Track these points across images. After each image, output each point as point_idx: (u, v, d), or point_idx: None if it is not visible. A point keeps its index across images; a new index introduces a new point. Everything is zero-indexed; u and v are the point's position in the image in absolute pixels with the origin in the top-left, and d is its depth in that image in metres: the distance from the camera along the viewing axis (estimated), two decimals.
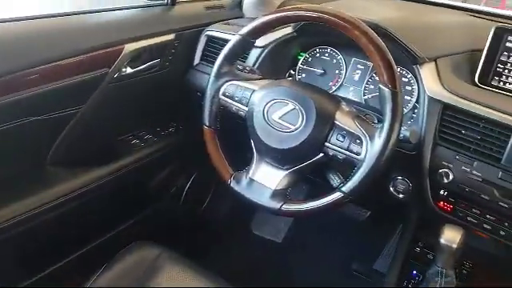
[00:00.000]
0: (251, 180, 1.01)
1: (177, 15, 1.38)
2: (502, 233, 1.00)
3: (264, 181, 1.00)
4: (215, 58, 1.05)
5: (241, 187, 1.01)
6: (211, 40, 1.37)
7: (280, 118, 0.96)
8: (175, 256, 1.08)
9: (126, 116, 1.35)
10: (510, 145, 0.95)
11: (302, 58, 1.29)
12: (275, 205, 0.97)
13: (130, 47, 1.21)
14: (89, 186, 1.22)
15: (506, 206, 0.97)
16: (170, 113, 1.50)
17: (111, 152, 1.33)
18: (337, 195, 0.91)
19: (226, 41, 1.05)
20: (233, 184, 1.03)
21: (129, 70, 1.25)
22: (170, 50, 1.34)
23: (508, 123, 0.95)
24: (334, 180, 0.98)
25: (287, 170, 0.98)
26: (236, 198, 1.02)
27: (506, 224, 0.99)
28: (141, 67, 1.28)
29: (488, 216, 1.01)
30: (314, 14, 0.92)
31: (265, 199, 0.99)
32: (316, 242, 1.75)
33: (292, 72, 1.31)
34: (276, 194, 0.98)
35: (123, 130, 1.41)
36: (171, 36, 1.32)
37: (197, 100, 1.14)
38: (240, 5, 1.54)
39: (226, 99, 1.04)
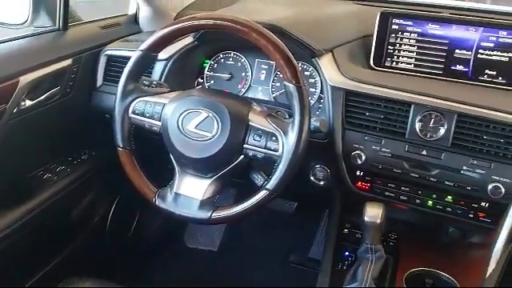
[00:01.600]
0: (177, 194, 1.00)
1: (71, 39, 1.33)
2: (417, 201, 1.08)
3: (190, 193, 0.99)
4: (119, 77, 1.03)
5: (167, 203, 1.00)
6: (112, 59, 1.33)
7: (195, 127, 0.96)
8: (108, 286, 1.04)
9: (34, 150, 1.28)
10: (410, 119, 1.03)
11: (208, 66, 1.30)
12: (205, 215, 0.97)
13: (25, 79, 1.14)
14: (3, 232, 1.14)
15: (416, 175, 1.05)
16: (80, 140, 1.43)
17: (23, 191, 1.25)
18: (263, 193, 0.94)
19: (127, 58, 1.03)
20: (158, 202, 1.01)
21: (28, 103, 1.18)
22: (70, 76, 1.29)
23: (405, 99, 1.03)
24: (258, 179, 1.00)
25: (211, 177, 0.99)
26: (164, 215, 1.01)
27: (420, 192, 1.07)
28: (41, 98, 1.21)
29: (403, 188, 1.08)
30: (211, 22, 0.93)
31: (193, 211, 0.98)
32: (252, 242, 1.78)
33: (200, 80, 1.31)
34: (204, 204, 0.98)
35: (33, 166, 1.32)
36: (68, 61, 1.27)
37: (106, 122, 1.10)
38: (136, 20, 1.52)
39: (137, 117, 1.02)
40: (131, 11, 1.52)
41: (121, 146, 1.03)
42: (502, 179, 0.98)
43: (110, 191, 1.59)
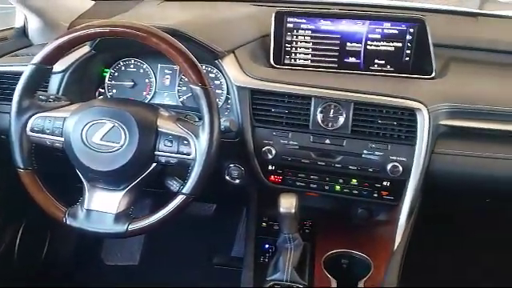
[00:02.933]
0: (88, 211, 0.96)
1: None
2: (326, 187, 1.14)
3: (102, 207, 0.96)
4: (12, 95, 0.96)
5: (79, 221, 0.96)
6: (1, 76, 1.24)
7: (101, 139, 0.93)
8: None
9: None
10: (312, 111, 1.09)
11: (108, 75, 1.26)
12: (121, 228, 0.95)
13: None
14: None
15: (323, 163, 1.11)
16: None
17: None
18: (179, 199, 0.94)
19: (19, 73, 0.97)
20: (69, 221, 0.97)
21: None
22: None
23: (305, 93, 1.09)
24: (174, 185, 0.99)
25: (124, 189, 0.96)
26: (77, 234, 0.97)
27: (328, 179, 1.14)
28: None
29: (312, 177, 1.14)
30: (107, 30, 0.91)
31: (108, 226, 0.95)
32: (173, 250, 1.75)
33: (102, 90, 1.27)
34: (119, 217, 0.95)
35: None
36: None
37: (3, 143, 1.03)
38: (25, 33, 1.42)
39: (36, 135, 0.97)
40: (18, 24, 1.42)
41: (21, 167, 0.97)
42: (398, 158, 1.07)
43: (14, 217, 1.48)
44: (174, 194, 0.95)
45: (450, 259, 1.65)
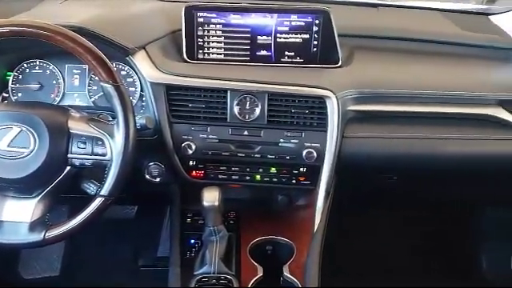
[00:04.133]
0: (0, 222, 0.91)
1: None
2: (247, 178, 1.17)
3: (15, 217, 0.92)
4: None
5: None
6: None
7: (8, 145, 0.88)
8: None
9: None
10: (228, 104, 1.11)
11: (11, 78, 1.18)
12: (37, 236, 0.91)
13: None
14: None
15: (243, 155, 1.14)
16: None
17: None
18: (98, 201, 0.92)
19: None
20: None
21: None
22: None
23: (221, 87, 1.11)
24: (91, 188, 0.97)
25: (37, 196, 0.92)
26: None
27: (248, 169, 1.16)
28: None
29: (233, 168, 1.16)
30: (7, 30, 0.86)
31: (23, 236, 0.91)
32: (96, 257, 1.69)
33: (5, 95, 1.19)
34: (34, 226, 0.91)
35: None
36: None
37: None
38: None
39: None
40: None
41: None
42: (312, 145, 1.12)
43: None
44: (93, 197, 0.93)
45: (365, 236, 1.76)
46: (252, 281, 1.09)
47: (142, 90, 1.16)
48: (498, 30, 1.45)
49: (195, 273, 1.08)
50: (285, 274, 1.11)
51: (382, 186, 1.39)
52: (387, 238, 1.81)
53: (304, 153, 1.12)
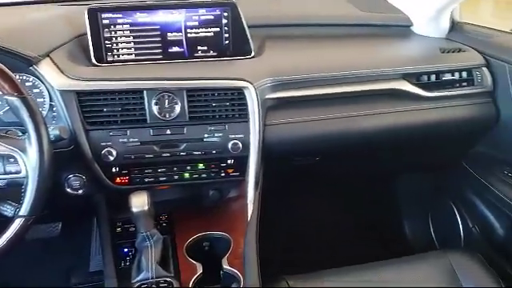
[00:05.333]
0: None
1: None
2: (175, 177, 1.15)
3: None
4: None
5: None
6: None
7: None
8: None
9: None
10: (146, 105, 1.08)
11: None
12: None
13: None
14: None
15: (168, 154, 1.12)
16: None
17: None
18: (18, 222, 0.86)
19: None
20: None
21: None
22: None
23: (136, 87, 1.08)
24: (8, 210, 0.90)
25: None
26: None
27: (175, 169, 1.15)
28: None
29: (160, 170, 1.14)
30: None
31: None
32: (22, 282, 1.58)
33: None
34: None
35: None
36: None
37: None
38: None
39: None
40: None
41: None
42: (237, 136, 1.13)
43: None
44: (11, 219, 0.86)
45: (297, 218, 1.82)
46: (192, 279, 1.08)
47: (51, 100, 1.09)
48: (393, 9, 1.56)
49: (133, 281, 1.05)
50: (224, 266, 1.12)
51: (306, 168, 1.44)
52: (317, 216, 1.88)
53: (229, 145, 1.13)
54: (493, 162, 1.43)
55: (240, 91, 1.12)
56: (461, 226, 1.62)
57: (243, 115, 1.14)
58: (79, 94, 1.05)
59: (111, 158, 1.08)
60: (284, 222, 1.73)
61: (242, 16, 1.19)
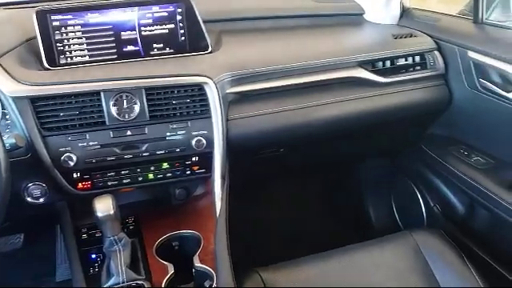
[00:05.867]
0: None
1: None
2: (140, 179, 1.13)
3: None
4: None
5: None
6: None
7: None
8: None
9: None
10: (104, 106, 1.06)
11: None
12: None
13: None
14: None
15: (130, 156, 1.10)
16: None
17: None
18: None
19: None
20: None
21: None
22: None
23: (92, 89, 1.05)
24: None
25: None
26: None
27: (139, 170, 1.13)
28: None
29: (123, 172, 1.12)
30: None
31: None
32: None
33: None
34: None
35: None
36: None
37: None
38: None
39: None
40: None
41: None
42: (200, 132, 1.13)
43: None
44: None
45: (266, 210, 1.83)
46: (164, 280, 1.07)
47: (3, 108, 1.04)
48: None
49: (103, 286, 1.02)
50: (196, 264, 1.11)
51: (272, 160, 1.45)
52: (285, 206, 1.90)
53: (193, 142, 1.12)
54: (449, 142, 1.48)
55: (200, 87, 1.12)
56: (422, 206, 1.67)
57: (205, 111, 1.13)
58: (33, 99, 1.01)
59: (71, 164, 1.05)
60: (253, 214, 1.74)
61: (196, 11, 1.18)
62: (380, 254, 1.22)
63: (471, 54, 1.29)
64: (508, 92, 1.20)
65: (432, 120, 1.51)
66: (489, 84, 1.26)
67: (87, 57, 1.14)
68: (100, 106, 1.06)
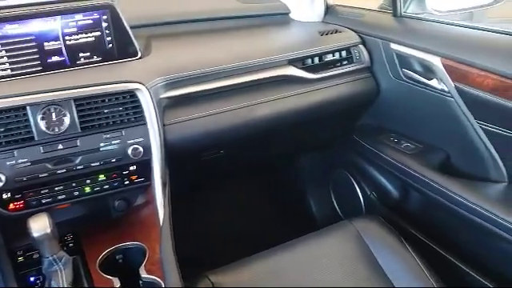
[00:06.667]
0: None
1: None
2: (75, 193, 1.09)
3: None
4: None
5: None
6: None
7: None
8: None
9: None
10: (32, 121, 1.01)
11: None
12: None
13: None
14: None
15: (64, 170, 1.05)
16: None
17: None
18: None
19: None
20: None
21: None
22: None
23: (16, 104, 0.99)
24: None
25: None
26: None
27: (74, 184, 1.08)
28: None
29: (57, 188, 1.07)
30: None
31: None
32: None
33: None
34: None
35: None
36: None
37: None
38: None
39: None
40: None
41: None
42: (136, 140, 1.10)
43: None
44: None
45: (209, 214, 1.83)
46: None
47: None
48: None
49: None
50: (142, 276, 1.08)
51: (213, 162, 1.45)
52: (229, 207, 1.90)
53: (129, 151, 1.09)
54: (379, 131, 1.55)
55: (132, 94, 1.09)
56: (360, 195, 1.74)
57: (139, 118, 1.11)
58: None
59: (0, 184, 0.99)
60: (198, 218, 1.73)
61: (122, 17, 1.15)
62: (323, 244, 1.26)
63: (393, 46, 1.36)
64: (429, 79, 1.28)
65: (362, 111, 1.58)
66: (411, 73, 1.33)
67: (9, 71, 1.07)
68: (27, 120, 1.00)
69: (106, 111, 1.07)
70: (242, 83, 1.28)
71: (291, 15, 1.61)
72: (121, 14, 1.15)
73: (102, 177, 1.10)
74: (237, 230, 1.82)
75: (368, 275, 1.17)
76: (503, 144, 1.18)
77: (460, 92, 1.20)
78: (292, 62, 1.35)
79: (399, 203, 1.58)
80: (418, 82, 1.32)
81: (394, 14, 1.42)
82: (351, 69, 1.44)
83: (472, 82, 1.16)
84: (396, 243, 1.23)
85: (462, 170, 1.35)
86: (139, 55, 1.19)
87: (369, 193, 1.70)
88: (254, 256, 1.23)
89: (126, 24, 1.16)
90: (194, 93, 1.21)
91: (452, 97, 1.23)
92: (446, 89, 1.23)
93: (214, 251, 1.61)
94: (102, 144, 1.08)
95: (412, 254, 1.19)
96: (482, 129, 1.20)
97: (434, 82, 1.27)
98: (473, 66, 1.15)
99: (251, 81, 1.29)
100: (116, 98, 1.08)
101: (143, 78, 1.11)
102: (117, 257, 1.15)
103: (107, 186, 1.12)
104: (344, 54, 1.43)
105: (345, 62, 1.44)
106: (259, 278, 1.16)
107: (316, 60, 1.39)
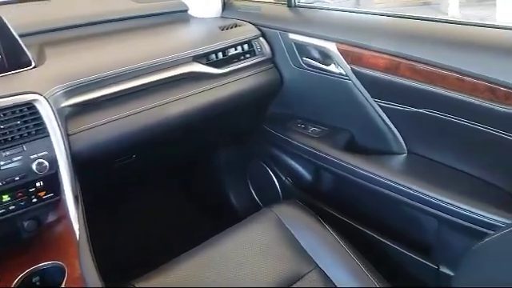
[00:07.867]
0: None
1: None
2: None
3: None
4: None
5: None
6: None
7: None
8: None
9: None
10: None
11: None
12: None
13: None
14: None
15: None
16: None
17: None
18: None
19: None
20: None
21: None
22: None
23: None
24: None
25: None
26: None
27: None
28: None
29: None
30: None
31: None
32: None
33: None
34: None
35: None
36: None
37: None
38: None
39: None
40: None
41: None
42: (40, 154, 1.03)
43: None
44: None
45: (130, 221, 1.78)
46: None
47: None
48: None
49: None
50: None
51: (127, 168, 1.41)
52: (151, 210, 1.86)
53: (34, 166, 1.02)
54: (287, 119, 1.61)
55: (30, 105, 1.02)
56: (276, 182, 1.79)
57: (41, 130, 1.04)
58: None
59: None
60: (121, 228, 1.67)
61: (9, 26, 1.07)
62: (247, 234, 1.28)
63: (291, 36, 1.42)
64: (328, 65, 1.35)
65: (269, 101, 1.62)
66: (311, 61, 1.40)
67: None
68: None
69: (2, 127, 0.99)
70: (149, 83, 1.25)
71: (190, 12, 1.61)
72: (7, 23, 1.07)
73: (6, 197, 1.02)
74: (160, 234, 1.79)
75: (293, 256, 1.21)
76: (399, 118, 1.28)
77: (356, 74, 1.28)
78: (196, 59, 1.35)
79: (313, 185, 1.65)
80: (318, 68, 1.39)
81: (289, 5, 1.48)
82: (254, 61, 1.47)
83: (366, 63, 1.24)
84: (314, 223, 1.29)
85: (366, 147, 1.45)
86: (33, 64, 1.12)
87: (284, 179, 1.75)
88: (181, 256, 1.21)
89: (14, 32, 1.08)
90: (97, 98, 1.17)
91: (350, 79, 1.31)
92: (344, 72, 1.31)
93: (140, 259, 1.57)
94: (2, 162, 1.00)
95: (330, 230, 1.26)
96: (380, 106, 1.29)
97: (332, 67, 1.34)
98: (366, 48, 1.23)
99: (158, 80, 1.27)
100: (12, 112, 1.00)
101: (40, 88, 1.04)
102: (33, 279, 1.08)
103: (13, 207, 1.04)
104: (246, 47, 1.47)
105: (247, 56, 1.47)
106: (187, 277, 1.16)
107: (220, 55, 1.41)
